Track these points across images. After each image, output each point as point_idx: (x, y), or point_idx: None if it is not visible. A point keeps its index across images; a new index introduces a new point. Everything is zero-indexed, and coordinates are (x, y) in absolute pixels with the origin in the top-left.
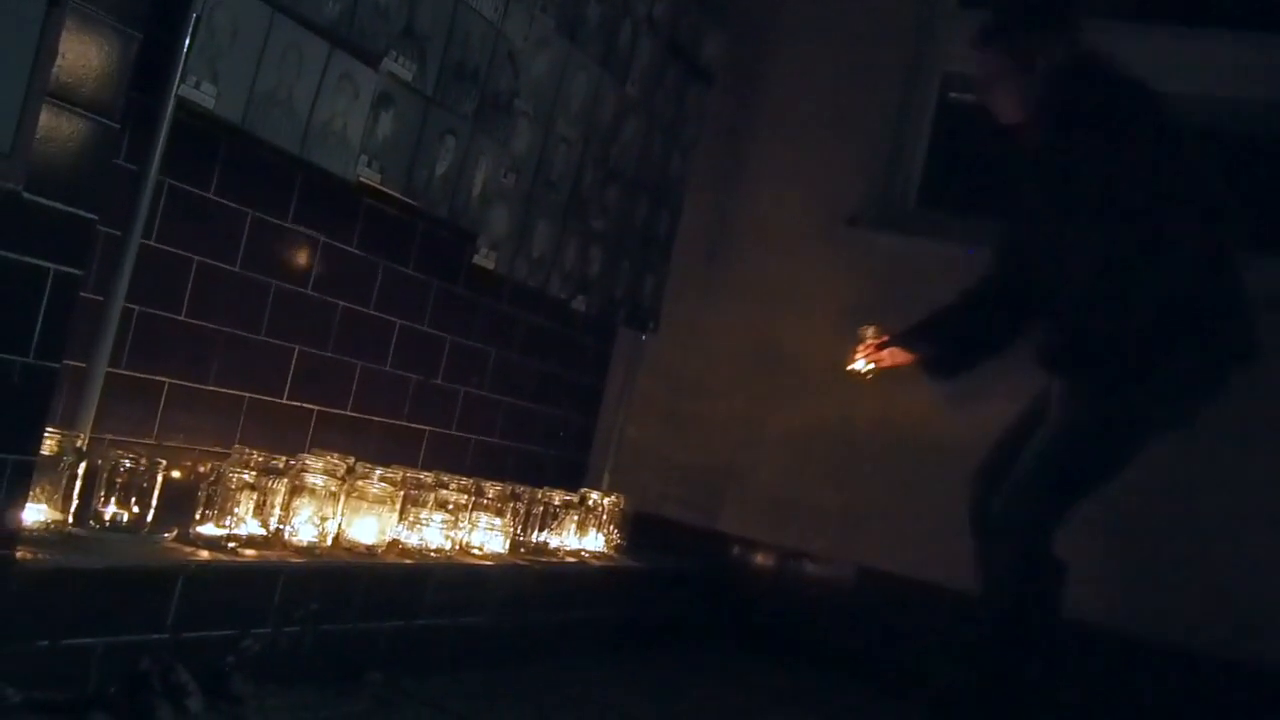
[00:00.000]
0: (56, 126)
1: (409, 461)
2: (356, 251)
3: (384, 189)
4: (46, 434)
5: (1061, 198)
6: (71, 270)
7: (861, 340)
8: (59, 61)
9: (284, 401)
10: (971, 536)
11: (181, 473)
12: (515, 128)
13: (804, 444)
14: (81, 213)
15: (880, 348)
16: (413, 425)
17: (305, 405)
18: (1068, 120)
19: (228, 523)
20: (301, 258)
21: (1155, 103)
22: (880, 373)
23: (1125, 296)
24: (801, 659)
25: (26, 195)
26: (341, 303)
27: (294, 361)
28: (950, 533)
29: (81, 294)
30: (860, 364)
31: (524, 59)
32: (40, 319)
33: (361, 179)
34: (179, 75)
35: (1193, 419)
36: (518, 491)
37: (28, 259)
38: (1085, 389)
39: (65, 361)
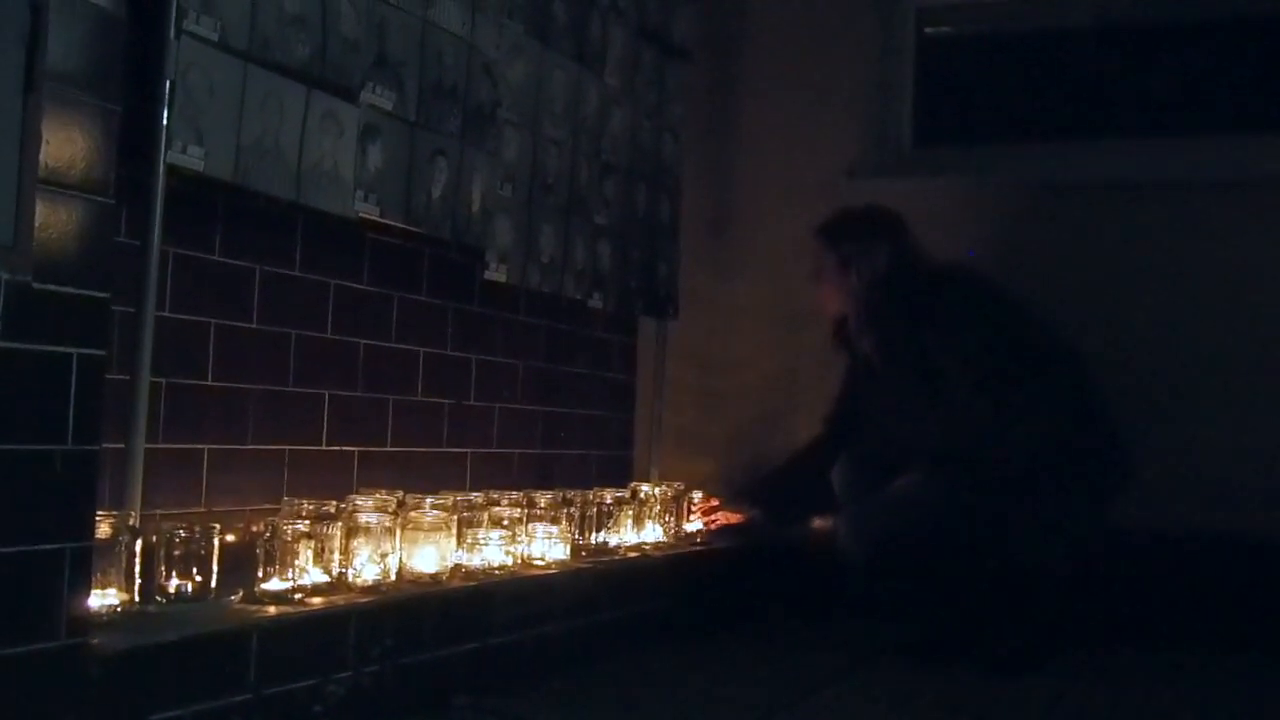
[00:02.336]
0: (54, 212)
1: (456, 485)
2: (368, 288)
3: (384, 220)
4: (98, 517)
5: (898, 390)
6: (94, 352)
7: (693, 503)
8: (44, 147)
9: (324, 448)
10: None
11: (236, 535)
12: (503, 137)
13: None
14: (94, 293)
15: (710, 510)
16: (454, 450)
17: (345, 448)
18: (886, 323)
19: (290, 575)
20: (316, 303)
21: (977, 289)
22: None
23: (985, 457)
24: (874, 613)
25: (37, 285)
26: (362, 340)
27: (326, 407)
28: None
29: (108, 375)
30: (694, 524)
31: (500, 68)
32: (72, 405)
33: (361, 214)
34: (164, 142)
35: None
36: (569, 497)
37: (49, 347)
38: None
39: (104, 444)
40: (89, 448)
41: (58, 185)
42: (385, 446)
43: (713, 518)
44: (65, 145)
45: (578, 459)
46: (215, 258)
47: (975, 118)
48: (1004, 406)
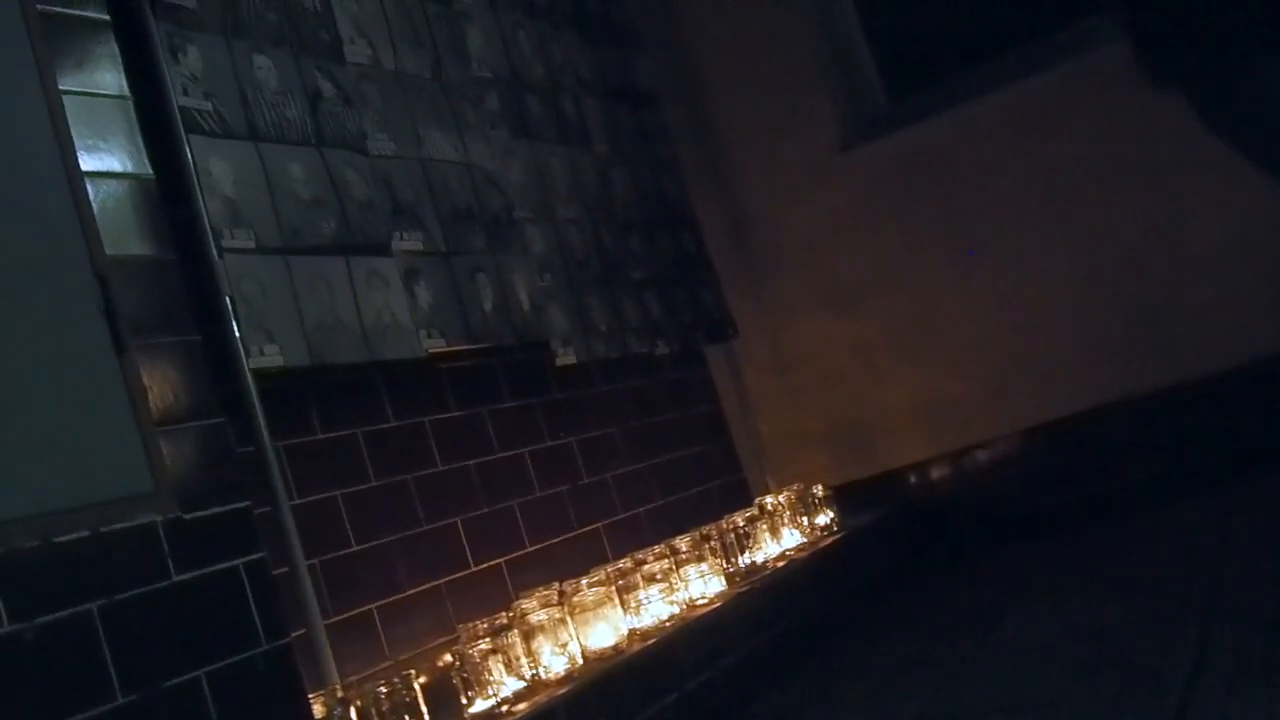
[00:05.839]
0: (178, 448)
1: (599, 561)
2: (458, 413)
3: (452, 348)
4: (310, 699)
5: None
6: (256, 556)
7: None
8: (150, 395)
9: (474, 569)
10: None
11: (428, 674)
12: (526, 235)
13: (911, 348)
14: (236, 505)
15: None
16: (586, 529)
17: (492, 562)
18: None
19: (490, 692)
20: (419, 444)
21: None
22: None
23: None
24: (1014, 537)
25: (187, 517)
26: (471, 462)
27: (462, 532)
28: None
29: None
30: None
31: (501, 176)
32: (255, 610)
33: (430, 350)
34: (243, 352)
35: None
36: (705, 533)
37: (217, 566)
38: None
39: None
40: (282, 642)
41: (173, 423)
42: (526, 548)
43: None
44: (166, 387)
45: (698, 497)
46: (320, 436)
47: (935, 54)
48: None
